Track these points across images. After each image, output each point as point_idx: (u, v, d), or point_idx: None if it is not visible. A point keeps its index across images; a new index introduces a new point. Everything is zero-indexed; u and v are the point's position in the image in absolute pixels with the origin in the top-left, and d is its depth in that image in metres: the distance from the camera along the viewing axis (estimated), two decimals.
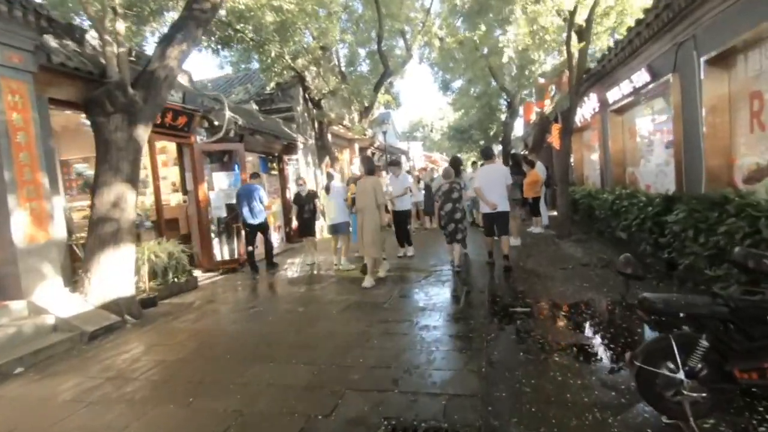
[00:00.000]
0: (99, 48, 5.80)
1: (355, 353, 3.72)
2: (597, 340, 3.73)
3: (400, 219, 7.96)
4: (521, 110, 20.63)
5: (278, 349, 3.99)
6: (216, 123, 8.15)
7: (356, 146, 16.72)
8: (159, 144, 8.57)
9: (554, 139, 12.43)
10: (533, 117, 16.24)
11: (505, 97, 20.49)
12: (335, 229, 7.67)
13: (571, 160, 12.47)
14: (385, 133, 17.55)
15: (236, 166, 8.63)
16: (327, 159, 12.95)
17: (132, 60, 6.29)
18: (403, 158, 26.26)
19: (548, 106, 13.34)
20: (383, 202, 6.23)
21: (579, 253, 7.22)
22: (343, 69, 16.09)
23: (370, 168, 6.51)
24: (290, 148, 11.43)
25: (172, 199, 8.58)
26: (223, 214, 8.30)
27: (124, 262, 5.44)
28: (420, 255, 8.09)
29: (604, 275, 5.71)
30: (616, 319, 4.16)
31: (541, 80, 13.48)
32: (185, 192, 8.33)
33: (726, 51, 4.82)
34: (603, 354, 3.42)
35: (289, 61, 11.33)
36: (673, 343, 2.26)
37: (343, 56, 15.82)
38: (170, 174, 8.64)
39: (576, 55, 8.29)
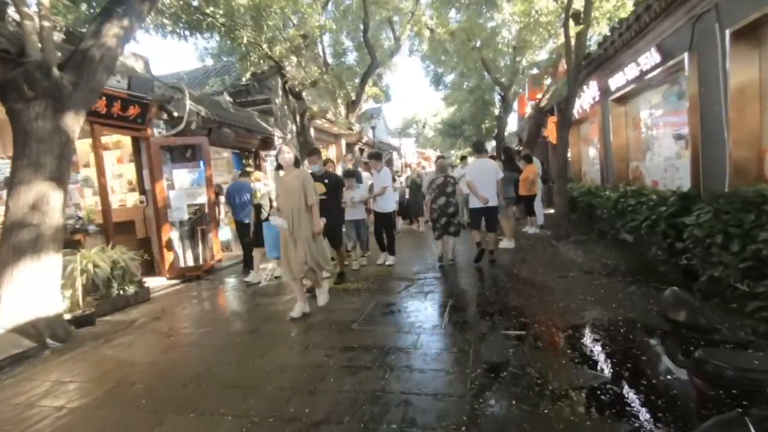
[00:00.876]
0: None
1: (302, 399, 2.88)
2: (612, 379, 2.90)
3: (383, 222, 7.02)
4: (515, 105, 19.87)
5: (209, 391, 3.13)
6: (175, 114, 7.26)
7: (343, 142, 15.85)
8: (113, 138, 7.68)
9: (551, 132, 11.62)
10: (528, 110, 15.43)
11: (498, 91, 19.65)
12: None
13: (568, 154, 11.67)
14: (373, 128, 16.68)
15: (201, 163, 7.74)
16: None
17: (64, 39, 5.39)
18: (395, 154, 25.41)
19: (543, 99, 12.51)
20: (314, 201, 4.74)
21: (579, 258, 6.40)
22: (329, 61, 15.27)
23: (295, 159, 4.84)
24: (268, 143, 10.55)
25: (129, 199, 7.69)
26: (185, 215, 7.42)
27: (46, 275, 4.56)
28: (403, 259, 7.24)
29: (610, 286, 4.89)
30: (633, 348, 3.34)
31: (536, 70, 12.65)
32: (143, 191, 7.43)
33: (757, 21, 4.00)
34: (623, 402, 2.60)
35: (267, 49, 10.43)
36: (752, 430, 1.43)
37: (328, 47, 14.97)
38: (127, 171, 7.74)
39: (574, 38, 7.46)
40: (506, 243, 7.80)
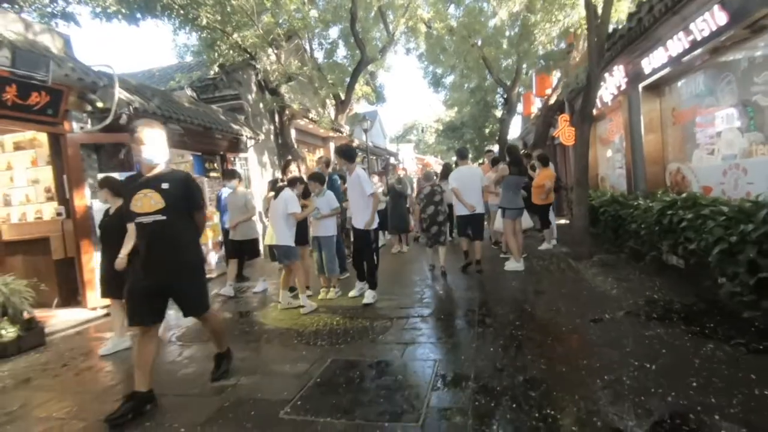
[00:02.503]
0: None
1: None
2: None
3: (357, 242, 5.25)
4: (519, 107, 18.34)
5: None
6: (100, 105, 5.74)
7: (332, 146, 14.30)
8: (26, 135, 6.18)
9: (562, 132, 10.05)
10: (534, 110, 13.88)
11: (501, 92, 18.13)
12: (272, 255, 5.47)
13: None
14: (366, 131, 15.14)
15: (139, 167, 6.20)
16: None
17: None
18: (392, 160, 23.87)
19: (553, 95, 10.93)
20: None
21: (613, 289, 4.78)
22: (316, 56, 13.79)
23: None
24: (238, 144, 9.02)
25: (46, 210, 6.16)
26: None
27: None
28: (383, 289, 5.63)
29: (674, 342, 3.26)
30: None
31: (542, 63, 11.10)
32: (63, 201, 5.90)
33: None
34: None
35: (237, 39, 8.96)
36: None
37: (315, 41, 13.49)
38: (44, 176, 6.21)
39: (600, 7, 5.90)
40: (514, 264, 6.20)
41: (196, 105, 8.15)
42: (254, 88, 10.00)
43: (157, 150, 2.94)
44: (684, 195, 4.75)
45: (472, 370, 3.11)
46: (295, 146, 11.01)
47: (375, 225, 5.12)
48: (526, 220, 6.83)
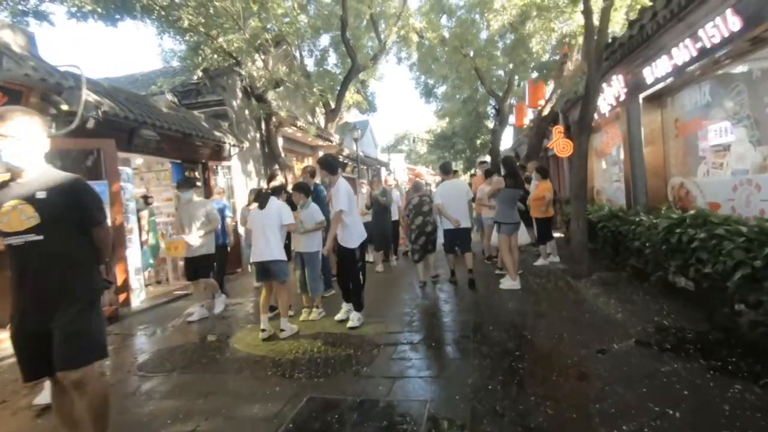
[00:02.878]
0: None
1: None
2: None
3: (342, 261, 4.74)
4: (511, 118, 18.16)
5: None
6: (65, 108, 5.28)
7: (320, 154, 13.90)
8: None
9: (556, 144, 9.78)
10: (527, 121, 13.65)
11: (493, 103, 17.96)
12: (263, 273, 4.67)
13: None
14: (356, 139, 14.80)
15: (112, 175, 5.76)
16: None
17: None
18: (383, 170, 23.54)
19: (546, 106, 10.70)
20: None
21: (617, 312, 4.41)
22: (307, 65, 13.46)
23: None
24: (220, 152, 8.57)
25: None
26: None
27: None
28: (371, 310, 5.19)
29: (692, 380, 2.88)
30: None
31: (535, 75, 10.87)
32: None
33: None
34: None
35: (222, 43, 8.57)
36: None
37: (306, 49, 13.17)
38: None
39: (597, 15, 5.62)
40: (509, 282, 5.82)
41: (175, 110, 7.70)
42: (239, 94, 9.60)
43: (25, 147, 2.11)
44: (692, 212, 4.42)
45: (469, 413, 2.69)
46: (283, 155, 10.59)
47: (357, 243, 4.64)
48: (523, 236, 6.47)
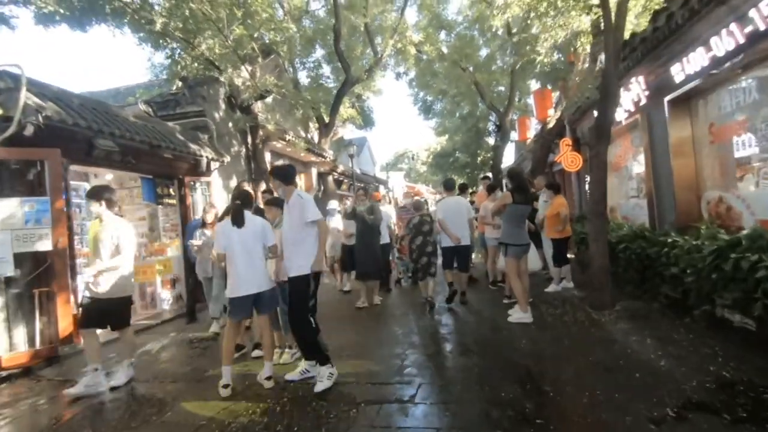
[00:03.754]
0: None
1: None
2: None
3: (292, 295, 3.58)
4: (514, 134, 17.50)
5: None
6: None
7: (314, 171, 13.17)
8: None
9: (564, 158, 8.98)
10: (530, 135, 12.93)
11: (494, 119, 17.32)
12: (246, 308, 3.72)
13: (588, 184, 8.99)
14: (351, 156, 14.08)
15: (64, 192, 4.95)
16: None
17: None
18: (381, 188, 22.78)
19: (551, 118, 9.96)
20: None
21: (660, 357, 3.50)
22: (299, 77, 12.86)
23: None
24: (198, 167, 7.78)
25: None
26: (9, 270, 4.53)
27: None
28: (354, 350, 4.28)
29: None
30: None
31: (538, 83, 10.20)
32: None
33: None
34: None
35: (204, 50, 7.90)
36: None
37: (297, 61, 12.58)
38: None
39: (614, 9, 4.89)
40: (519, 314, 4.92)
41: (146, 121, 6.95)
42: (222, 105, 8.88)
43: None
44: (746, 232, 3.57)
45: None
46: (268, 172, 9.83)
47: (312, 267, 3.48)
48: (534, 260, 5.59)
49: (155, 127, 6.84)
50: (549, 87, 9.87)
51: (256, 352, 4.29)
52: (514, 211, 4.98)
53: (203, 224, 5.38)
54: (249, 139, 9.66)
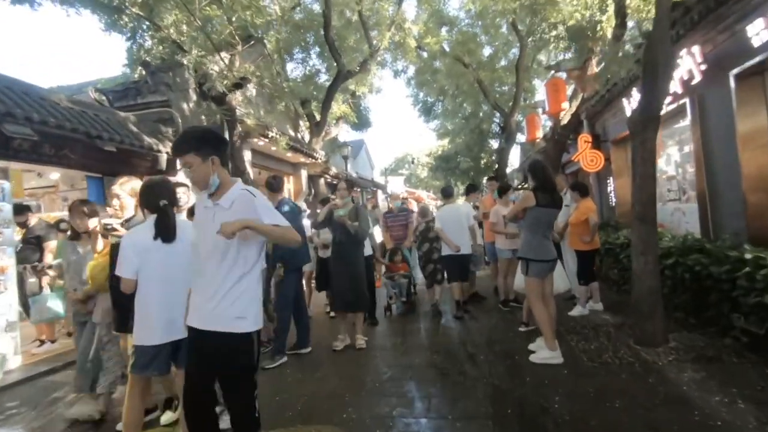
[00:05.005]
0: None
1: None
2: None
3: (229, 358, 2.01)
4: (522, 129, 16.31)
5: None
6: None
7: (304, 173, 11.99)
8: None
9: (582, 156, 7.78)
10: (540, 135, 11.73)
11: (498, 120, 16.15)
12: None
13: (610, 188, 7.80)
14: (345, 157, 12.92)
15: None
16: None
17: None
18: (380, 194, 21.60)
19: (566, 112, 8.77)
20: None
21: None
22: (288, 71, 11.73)
23: None
24: (157, 164, 6.61)
25: None
26: None
27: None
28: (326, 413, 3.06)
29: None
30: None
31: (555, 74, 9.01)
32: None
33: None
34: None
35: (170, 31, 6.77)
36: None
37: (288, 57, 11.46)
38: None
39: None
40: (546, 354, 3.71)
41: (95, 110, 5.79)
42: (193, 95, 7.72)
43: None
44: None
45: None
46: (251, 171, 8.65)
47: (258, 323, 1.99)
48: (560, 279, 4.35)
49: (99, 116, 5.68)
50: (563, 76, 8.69)
51: (168, 415, 3.04)
52: (539, 217, 3.78)
53: (74, 235, 3.34)
54: (226, 136, 8.49)
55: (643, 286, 3.95)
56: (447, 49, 14.52)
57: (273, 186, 4.60)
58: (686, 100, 4.81)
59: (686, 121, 5.00)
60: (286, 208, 4.38)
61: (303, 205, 5.81)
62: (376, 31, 11.84)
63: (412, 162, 28.17)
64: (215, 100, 7.68)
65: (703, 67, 4.30)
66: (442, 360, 4.03)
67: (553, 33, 7.53)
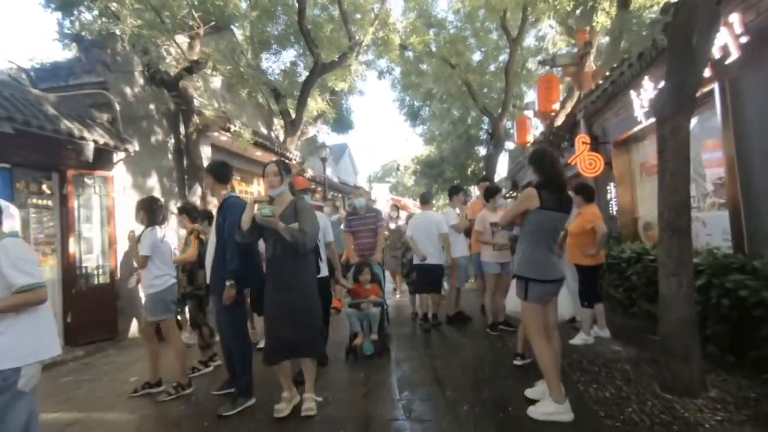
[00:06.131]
0: None
1: None
2: None
3: None
4: (508, 144, 15.55)
5: None
6: None
7: None
8: None
9: (580, 159, 6.91)
10: (531, 138, 10.90)
11: (487, 126, 15.37)
12: None
13: (610, 195, 6.94)
14: (324, 159, 11.91)
15: None
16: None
17: None
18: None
19: (560, 112, 7.93)
20: None
21: None
22: (263, 62, 10.74)
23: None
24: (84, 155, 5.47)
25: None
26: None
27: None
28: None
29: None
30: None
31: (547, 69, 8.19)
32: None
33: None
34: None
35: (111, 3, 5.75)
36: None
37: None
38: None
39: None
40: (550, 407, 2.72)
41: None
42: (140, 79, 6.64)
43: None
44: None
45: None
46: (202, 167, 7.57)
47: None
48: (564, 303, 3.37)
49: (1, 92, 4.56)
50: (556, 72, 7.88)
51: None
52: (542, 223, 2.81)
53: None
54: (182, 129, 7.43)
55: (673, 316, 3.00)
56: (434, 50, 13.76)
57: (217, 173, 3.47)
58: (714, 86, 3.94)
59: (712, 112, 4.13)
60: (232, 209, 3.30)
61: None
62: (359, 26, 10.96)
63: (397, 169, 27.20)
64: (166, 84, 6.64)
65: (744, 39, 3.41)
66: (418, 413, 3.00)
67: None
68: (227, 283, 3.16)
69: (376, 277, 4.58)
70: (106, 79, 6.02)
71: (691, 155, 3.11)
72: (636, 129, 5.73)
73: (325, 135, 15.95)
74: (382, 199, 24.87)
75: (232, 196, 3.46)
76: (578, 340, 4.28)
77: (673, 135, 3.07)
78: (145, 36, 5.75)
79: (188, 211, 4.25)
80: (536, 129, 12.02)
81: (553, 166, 2.87)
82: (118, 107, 5.95)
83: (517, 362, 3.74)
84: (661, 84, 4.22)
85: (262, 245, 3.16)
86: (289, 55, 10.78)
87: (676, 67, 3.10)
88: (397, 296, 7.78)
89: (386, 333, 4.61)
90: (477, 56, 15.54)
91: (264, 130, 11.34)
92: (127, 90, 6.42)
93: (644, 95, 5.03)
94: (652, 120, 5.16)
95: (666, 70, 3.18)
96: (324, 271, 3.89)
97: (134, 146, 6.00)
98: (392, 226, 8.02)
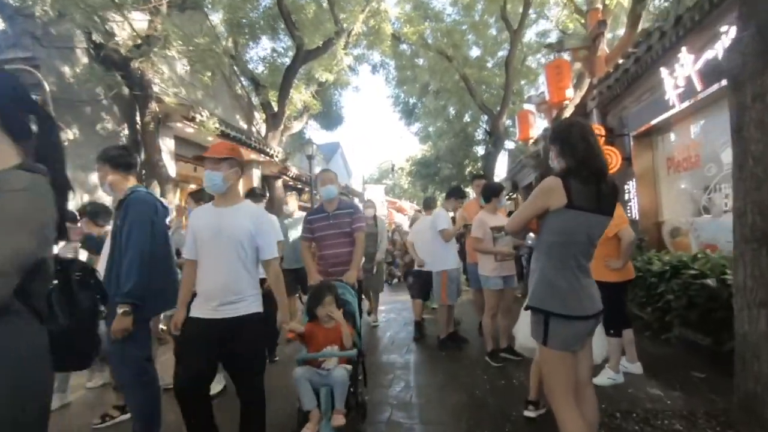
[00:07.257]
0: None
1: None
2: None
3: None
4: (508, 143, 14.59)
5: None
6: None
7: (256, 173, 9.92)
8: None
9: None
10: (534, 133, 9.93)
11: (485, 124, 14.45)
12: None
13: (629, 195, 5.97)
14: (310, 157, 10.93)
15: None
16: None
17: None
18: (356, 201, 19.61)
19: (570, 102, 6.97)
20: None
21: None
22: (239, 50, 9.78)
23: None
24: None
25: None
26: None
27: None
28: None
29: None
30: None
31: (555, 56, 7.23)
32: None
33: None
34: None
35: None
36: None
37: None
38: None
39: None
40: None
41: None
42: (83, 57, 5.66)
43: None
44: None
45: None
46: (167, 165, 6.60)
47: None
48: (599, 343, 2.38)
49: None
50: (567, 57, 6.93)
51: None
52: (571, 228, 1.82)
53: None
54: (138, 118, 6.45)
55: (765, 368, 2.02)
56: (430, 42, 12.85)
57: (115, 160, 2.46)
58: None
59: None
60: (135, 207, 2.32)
61: (168, 205, 3.06)
62: (348, 13, 10.02)
63: (393, 170, 26.23)
64: (113, 63, 5.67)
65: None
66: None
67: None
68: (119, 311, 2.18)
69: (347, 308, 2.77)
70: (36, 54, 5.04)
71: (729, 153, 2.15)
72: (664, 116, 4.77)
73: (314, 132, 15.07)
74: (377, 201, 23.89)
75: (137, 190, 2.48)
76: (604, 379, 3.28)
77: (756, 102, 2.10)
78: (88, 6, 4.77)
79: (93, 214, 3.26)
80: (539, 125, 11.08)
81: (587, 142, 1.89)
82: (48, 88, 4.96)
83: (529, 413, 2.75)
84: (710, 52, 3.27)
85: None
86: (270, 43, 9.85)
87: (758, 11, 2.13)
88: (371, 321, 5.89)
89: (362, 401, 2.77)
90: (475, 52, 14.71)
91: (244, 125, 10.38)
92: (65, 69, 5.44)
93: (680, 72, 4.06)
94: (687, 103, 4.22)
95: (741, 8, 2.21)
96: (255, 307, 2.21)
97: (67, 133, 5.02)
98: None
